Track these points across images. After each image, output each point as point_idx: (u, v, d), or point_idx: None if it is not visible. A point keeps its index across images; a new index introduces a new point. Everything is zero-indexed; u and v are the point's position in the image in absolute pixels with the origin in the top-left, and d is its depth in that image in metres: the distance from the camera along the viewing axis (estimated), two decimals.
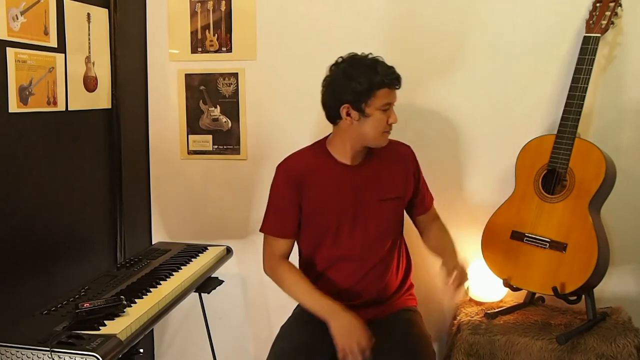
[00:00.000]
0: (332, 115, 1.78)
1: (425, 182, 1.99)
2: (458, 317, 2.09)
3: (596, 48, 1.88)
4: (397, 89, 1.75)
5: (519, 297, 2.13)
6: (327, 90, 1.77)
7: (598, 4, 1.94)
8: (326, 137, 1.89)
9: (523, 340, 1.89)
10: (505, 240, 1.98)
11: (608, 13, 1.92)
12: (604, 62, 2.06)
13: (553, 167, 1.90)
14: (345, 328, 1.65)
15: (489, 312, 2.03)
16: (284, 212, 1.85)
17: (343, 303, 1.79)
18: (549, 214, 1.91)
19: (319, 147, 1.88)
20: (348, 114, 1.73)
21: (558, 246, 1.87)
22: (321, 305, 1.72)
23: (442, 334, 2.32)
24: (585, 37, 1.91)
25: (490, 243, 2.02)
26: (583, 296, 1.93)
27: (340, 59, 1.77)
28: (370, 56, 1.76)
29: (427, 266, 2.29)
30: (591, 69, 1.87)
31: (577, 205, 1.86)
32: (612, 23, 1.93)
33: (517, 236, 1.96)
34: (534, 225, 1.93)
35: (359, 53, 1.77)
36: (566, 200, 1.88)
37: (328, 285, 1.87)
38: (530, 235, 1.93)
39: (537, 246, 1.91)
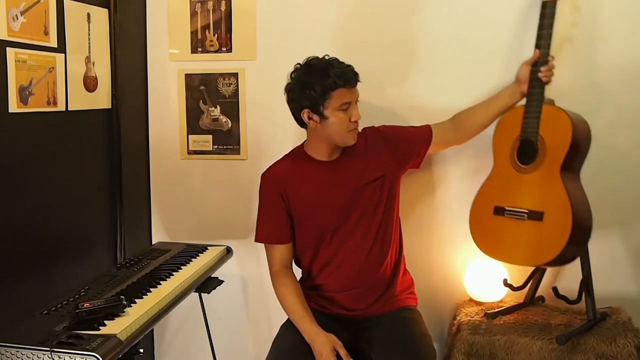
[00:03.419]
0: (298, 120, 1.87)
1: (406, 129, 2.01)
2: (458, 317, 2.09)
3: (554, 12, 1.87)
4: (354, 86, 1.79)
5: (519, 297, 2.13)
6: (288, 98, 1.86)
7: None
8: (304, 142, 1.96)
9: (523, 340, 1.89)
10: (489, 216, 1.97)
11: None
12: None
13: (525, 137, 1.88)
14: (318, 352, 1.73)
15: (489, 312, 2.03)
16: (274, 220, 1.91)
17: (349, 292, 1.89)
18: (526, 184, 1.89)
19: (298, 152, 1.96)
20: (310, 118, 1.81)
21: (536, 215, 1.85)
22: (302, 328, 1.80)
23: (442, 334, 2.32)
24: (543, 2, 1.89)
25: (476, 222, 2.01)
26: (583, 296, 1.94)
27: (298, 66, 1.84)
28: (325, 58, 1.81)
29: (427, 266, 2.29)
30: (551, 32, 1.86)
31: (550, 172, 1.84)
32: None
33: (499, 211, 1.94)
34: (513, 198, 1.91)
35: (318, 56, 1.83)
36: (540, 169, 1.86)
37: (331, 280, 1.91)
38: (509, 208, 1.91)
39: (517, 219, 1.89)
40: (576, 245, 1.83)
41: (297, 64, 1.84)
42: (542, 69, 1.86)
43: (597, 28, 2.07)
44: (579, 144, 1.85)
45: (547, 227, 1.83)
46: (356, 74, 1.79)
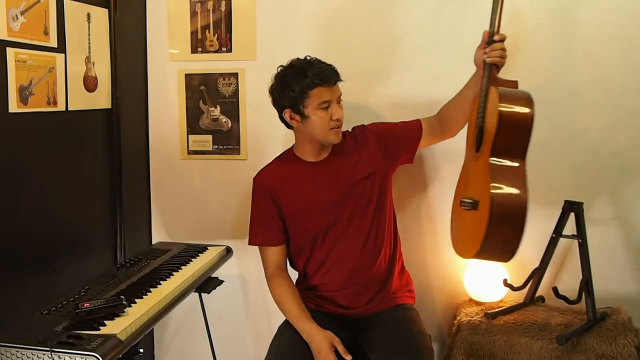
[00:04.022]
0: (283, 121, 1.89)
1: (396, 125, 2.00)
2: (458, 317, 2.09)
3: None
4: (333, 85, 1.80)
5: (519, 297, 2.13)
6: (272, 100, 1.89)
7: None
8: (294, 145, 1.98)
9: (523, 340, 1.89)
10: (456, 209, 1.90)
11: None
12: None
13: (478, 123, 1.78)
14: (316, 350, 1.74)
15: (489, 312, 2.03)
16: (266, 222, 1.93)
17: (345, 291, 1.89)
18: (474, 173, 1.82)
19: (288, 154, 1.98)
20: (292, 118, 1.84)
21: (475, 205, 1.73)
22: (300, 328, 1.81)
23: (442, 334, 2.32)
24: None
25: (452, 216, 1.97)
26: (583, 296, 1.94)
27: (280, 68, 1.86)
28: (306, 59, 1.83)
29: (426, 266, 2.29)
30: (496, 8, 1.72)
31: (484, 157, 1.71)
32: None
33: (460, 202, 1.85)
34: (467, 188, 1.85)
35: (301, 57, 1.84)
36: (482, 155, 1.74)
37: (327, 279, 1.92)
38: (463, 199, 1.82)
39: (466, 209, 1.78)
40: (502, 236, 1.65)
41: (280, 66, 1.87)
42: (487, 49, 1.75)
43: (596, 29, 2.08)
44: (509, 123, 1.66)
45: (479, 217, 1.71)
46: (335, 73, 1.81)
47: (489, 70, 1.75)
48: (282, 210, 1.91)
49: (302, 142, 1.92)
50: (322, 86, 1.78)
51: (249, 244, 1.96)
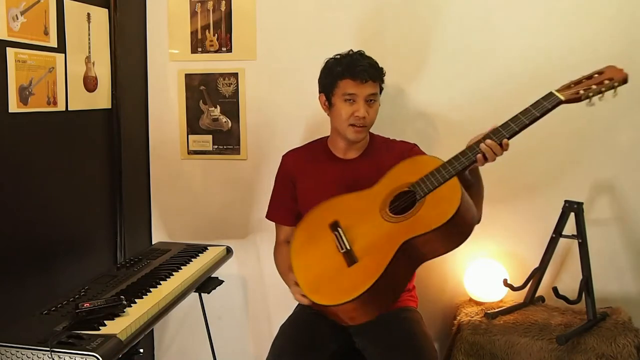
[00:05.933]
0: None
1: None
2: (458, 317, 2.09)
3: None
4: (364, 82, 1.78)
5: (519, 297, 2.13)
6: None
7: None
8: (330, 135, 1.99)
9: (523, 340, 1.89)
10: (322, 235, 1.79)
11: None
12: None
13: (419, 192, 1.65)
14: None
15: (489, 312, 2.04)
16: (280, 202, 1.99)
17: None
18: (377, 230, 1.68)
19: (320, 142, 2.00)
20: (324, 103, 1.89)
21: (352, 260, 1.65)
22: (285, 280, 1.84)
23: (442, 334, 2.32)
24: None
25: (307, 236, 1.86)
26: (583, 296, 1.94)
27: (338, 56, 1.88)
28: (356, 52, 1.85)
29: (426, 266, 2.29)
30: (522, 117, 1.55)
31: (403, 232, 1.62)
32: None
33: (337, 240, 1.72)
34: (356, 232, 1.71)
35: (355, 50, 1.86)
36: (403, 227, 1.64)
37: None
38: (341, 240, 1.70)
39: (340, 251, 1.68)
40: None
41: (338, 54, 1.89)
42: (481, 139, 1.58)
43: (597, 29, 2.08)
44: (456, 223, 1.53)
45: (351, 274, 1.63)
46: (369, 71, 1.78)
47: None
48: (297, 193, 1.94)
49: (332, 132, 1.93)
50: (350, 79, 1.79)
51: (265, 216, 2.03)
